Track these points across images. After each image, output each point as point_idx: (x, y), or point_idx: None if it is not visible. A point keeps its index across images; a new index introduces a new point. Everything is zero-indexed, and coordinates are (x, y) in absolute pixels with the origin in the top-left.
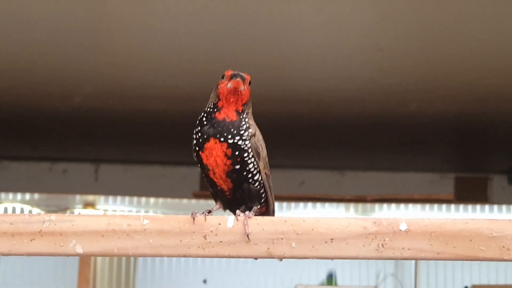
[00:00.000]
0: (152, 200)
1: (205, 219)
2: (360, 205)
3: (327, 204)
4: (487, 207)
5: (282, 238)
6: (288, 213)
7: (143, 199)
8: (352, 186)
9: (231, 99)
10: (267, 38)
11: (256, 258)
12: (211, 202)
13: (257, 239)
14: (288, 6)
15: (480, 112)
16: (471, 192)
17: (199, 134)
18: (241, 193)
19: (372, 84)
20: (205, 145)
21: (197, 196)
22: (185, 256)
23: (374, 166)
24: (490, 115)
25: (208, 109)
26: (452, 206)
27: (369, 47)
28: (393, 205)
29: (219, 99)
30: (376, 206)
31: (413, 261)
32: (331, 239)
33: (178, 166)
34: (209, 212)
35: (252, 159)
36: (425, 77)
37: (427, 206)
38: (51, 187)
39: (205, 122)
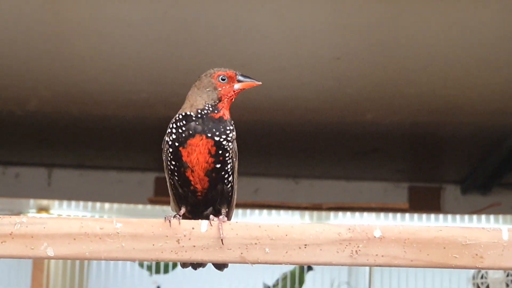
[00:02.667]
0: (106, 205)
1: (179, 223)
2: (315, 213)
3: (282, 212)
4: (441, 216)
5: (256, 243)
6: (243, 220)
7: (98, 204)
8: (306, 194)
9: (232, 99)
10: (226, 46)
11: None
12: (167, 208)
13: (231, 244)
14: (247, 14)
15: (435, 123)
16: (424, 201)
17: (183, 129)
18: (214, 194)
19: (329, 93)
20: (189, 141)
21: (152, 202)
22: (157, 260)
23: (328, 174)
24: (444, 126)
25: (204, 111)
26: (407, 215)
27: (327, 56)
28: (348, 214)
29: (220, 101)
30: (332, 214)
31: (367, 269)
32: (305, 245)
33: (134, 172)
34: (180, 216)
35: (231, 160)
36: (382, 87)
37: (382, 214)
38: (3, 191)
39: (194, 118)
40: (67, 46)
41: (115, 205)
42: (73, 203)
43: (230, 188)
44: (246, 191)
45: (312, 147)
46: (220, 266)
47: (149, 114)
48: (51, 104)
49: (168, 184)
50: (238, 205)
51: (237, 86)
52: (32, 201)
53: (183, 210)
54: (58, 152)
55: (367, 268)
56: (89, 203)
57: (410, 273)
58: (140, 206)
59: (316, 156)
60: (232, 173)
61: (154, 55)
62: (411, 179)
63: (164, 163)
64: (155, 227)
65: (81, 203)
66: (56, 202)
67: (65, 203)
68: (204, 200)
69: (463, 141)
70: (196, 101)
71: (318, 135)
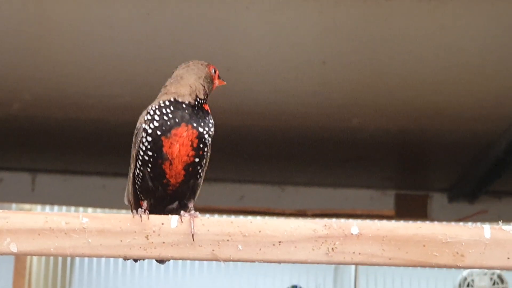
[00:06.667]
0: (90, 210)
1: (148, 218)
2: (301, 220)
3: (267, 218)
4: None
5: (228, 240)
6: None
7: (81, 210)
8: (292, 201)
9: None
10: (210, 48)
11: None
12: None
13: (202, 240)
14: (233, 17)
15: (422, 129)
16: (411, 209)
17: (170, 116)
18: (185, 189)
19: (315, 98)
20: (173, 131)
21: None
22: (125, 257)
23: (314, 181)
24: (431, 133)
25: (202, 100)
26: (393, 222)
27: (312, 60)
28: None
29: (210, 92)
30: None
31: (353, 276)
32: (279, 242)
33: (118, 177)
34: (145, 211)
35: (207, 155)
36: (368, 92)
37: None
38: None
39: (184, 105)
40: (49, 48)
41: (99, 211)
42: (56, 208)
43: (199, 183)
44: (232, 198)
45: (297, 153)
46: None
47: (133, 119)
48: (34, 107)
49: (130, 175)
50: (223, 211)
51: (217, 82)
52: (14, 206)
53: (146, 204)
54: (42, 157)
55: (353, 274)
56: (73, 208)
57: (396, 280)
58: (123, 212)
59: (302, 163)
60: (204, 168)
61: (137, 58)
62: (397, 187)
63: (134, 153)
64: (123, 222)
65: (64, 208)
66: (38, 207)
67: (47, 208)
68: (173, 194)
69: (450, 148)
70: (200, 90)
71: (303, 141)
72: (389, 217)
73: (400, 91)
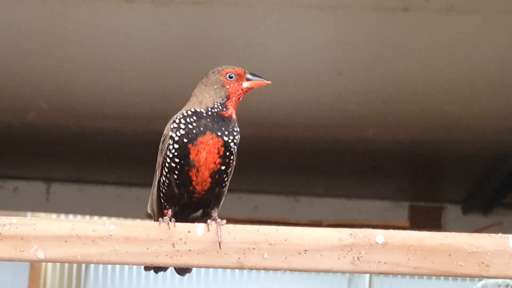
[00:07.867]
0: (104, 220)
1: (174, 225)
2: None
3: (292, 227)
4: None
5: (254, 248)
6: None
7: (96, 219)
8: (306, 212)
9: (240, 98)
10: (226, 60)
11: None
12: None
13: (228, 249)
14: (248, 28)
15: (436, 141)
16: (425, 221)
17: (194, 125)
18: (210, 196)
19: (331, 109)
20: (199, 139)
21: (151, 217)
22: (152, 264)
23: (329, 192)
24: (446, 144)
25: (214, 109)
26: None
27: (329, 71)
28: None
29: (228, 99)
30: None
31: (367, 286)
32: (305, 250)
33: (132, 187)
34: (170, 219)
35: (233, 163)
36: (383, 104)
37: None
38: (1, 205)
39: (204, 115)
40: (65, 58)
41: (113, 220)
42: (71, 217)
43: (224, 191)
44: (246, 208)
45: (312, 164)
46: (182, 271)
47: (148, 129)
48: (50, 117)
49: (155, 183)
50: (237, 221)
51: (245, 84)
52: (29, 215)
53: (170, 212)
54: (57, 166)
55: (367, 285)
56: (87, 218)
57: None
58: (138, 221)
59: (316, 173)
60: (229, 177)
61: (153, 68)
62: (411, 198)
63: (160, 160)
64: (149, 230)
65: (79, 217)
66: (53, 216)
67: (62, 217)
68: (198, 202)
69: (465, 160)
70: (205, 98)
71: (318, 152)
72: (403, 229)
73: (415, 103)
